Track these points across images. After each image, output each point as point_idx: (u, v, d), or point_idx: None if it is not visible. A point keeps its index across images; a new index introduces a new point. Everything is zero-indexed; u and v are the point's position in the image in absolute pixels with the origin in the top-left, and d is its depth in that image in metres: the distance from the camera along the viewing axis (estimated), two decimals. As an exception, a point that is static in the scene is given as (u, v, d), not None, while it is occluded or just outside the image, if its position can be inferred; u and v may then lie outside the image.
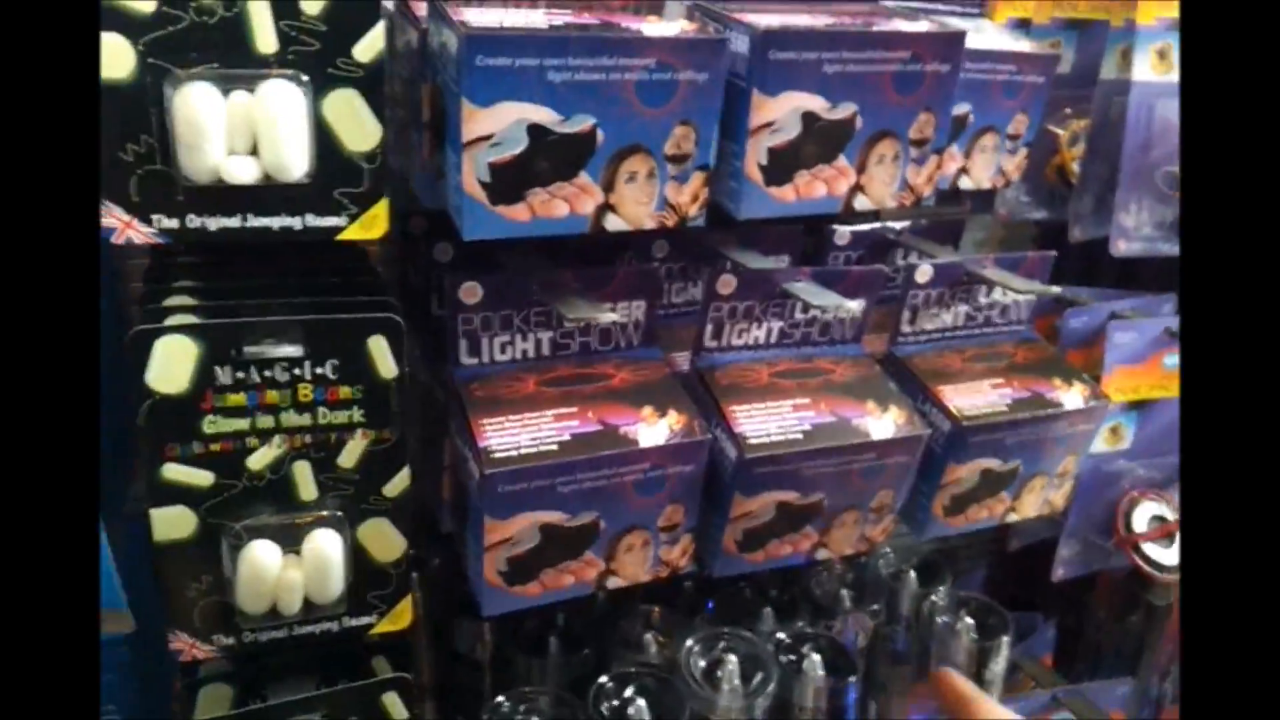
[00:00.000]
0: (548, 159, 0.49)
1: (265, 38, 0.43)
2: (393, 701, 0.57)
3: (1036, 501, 0.76)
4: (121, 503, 0.62)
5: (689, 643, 0.69)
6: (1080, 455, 0.77)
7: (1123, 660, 1.08)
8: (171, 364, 0.46)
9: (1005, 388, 0.72)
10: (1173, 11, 0.75)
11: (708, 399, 0.63)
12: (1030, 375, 0.73)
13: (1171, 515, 0.89)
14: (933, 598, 0.81)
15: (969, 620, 0.79)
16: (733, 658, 0.67)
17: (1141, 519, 0.89)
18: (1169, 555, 0.89)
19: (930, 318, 0.74)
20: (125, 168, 0.42)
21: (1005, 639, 0.79)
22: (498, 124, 0.47)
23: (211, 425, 0.48)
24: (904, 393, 0.68)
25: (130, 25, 0.41)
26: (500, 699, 0.63)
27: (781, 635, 0.73)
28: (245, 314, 0.48)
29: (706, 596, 0.75)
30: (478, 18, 0.46)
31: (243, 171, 0.43)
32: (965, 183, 0.72)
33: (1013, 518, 0.76)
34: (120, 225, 0.43)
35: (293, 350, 0.48)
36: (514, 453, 0.55)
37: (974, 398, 0.70)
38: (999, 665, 0.80)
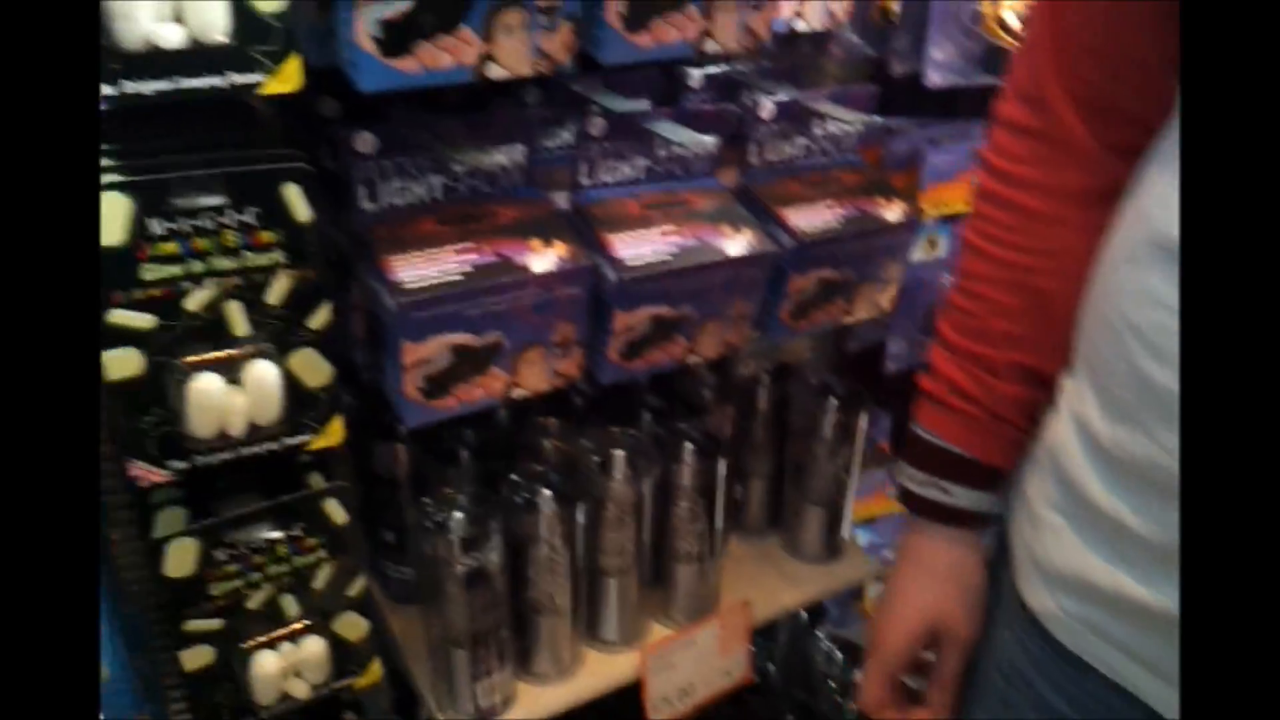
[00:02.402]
0: (432, 13, 0.55)
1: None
2: (334, 507, 0.66)
3: (867, 305, 0.90)
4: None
5: (583, 442, 0.80)
6: (901, 264, 0.90)
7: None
8: (108, 219, 0.51)
9: (837, 208, 0.83)
10: None
11: (587, 230, 0.72)
12: (858, 196, 0.85)
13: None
14: (809, 378, 0.94)
15: (833, 401, 0.93)
16: (620, 451, 0.79)
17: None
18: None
19: (774, 150, 0.84)
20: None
21: (863, 414, 0.94)
22: (386, -18, 0.52)
23: (149, 272, 0.53)
24: (753, 216, 0.78)
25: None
26: (425, 499, 0.72)
27: (660, 431, 0.85)
28: (167, 170, 0.52)
29: (596, 404, 0.86)
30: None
31: (171, 35, 0.47)
32: (800, 25, 0.81)
33: (848, 320, 0.90)
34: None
35: (217, 200, 0.53)
36: (424, 283, 0.62)
37: (811, 217, 0.81)
38: (859, 437, 0.96)
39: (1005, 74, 0.59)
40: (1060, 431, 0.55)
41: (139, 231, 0.52)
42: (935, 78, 0.91)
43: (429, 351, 0.64)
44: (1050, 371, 0.58)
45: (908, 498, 0.65)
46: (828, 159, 0.88)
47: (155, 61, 0.49)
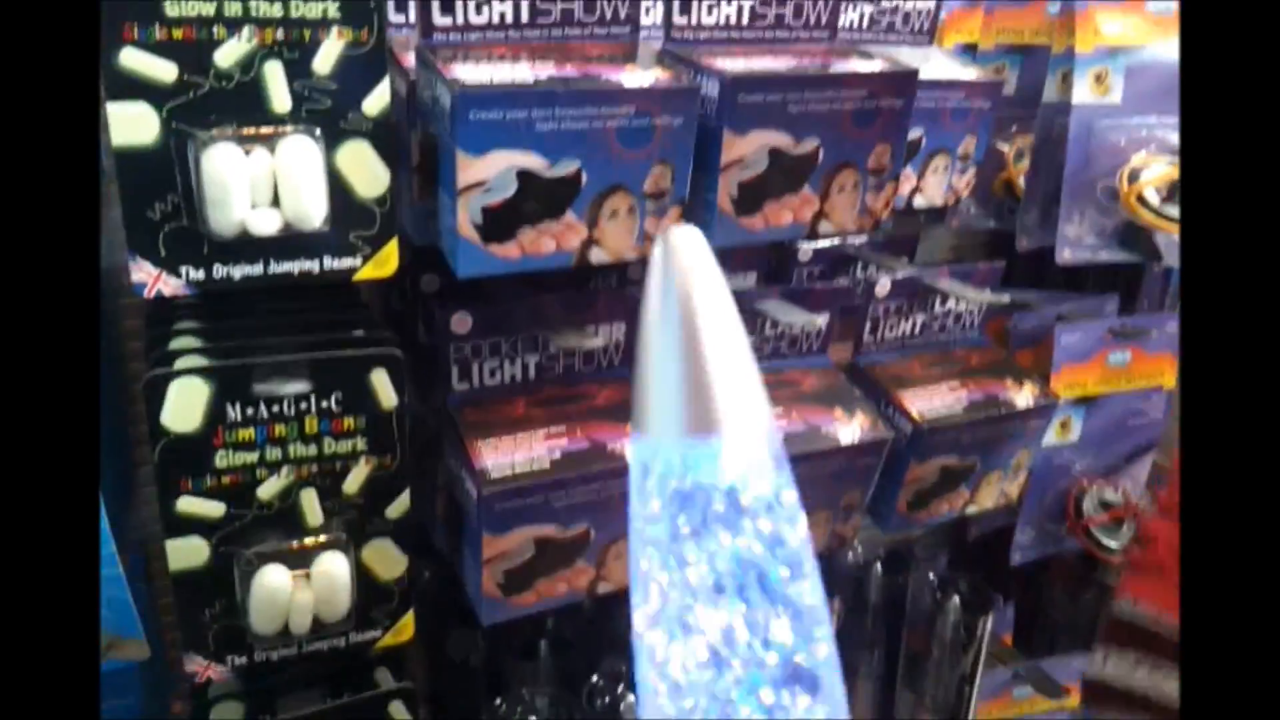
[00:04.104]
0: (536, 201, 0.53)
1: (280, 98, 0.45)
2: (398, 710, 0.60)
3: (993, 494, 0.82)
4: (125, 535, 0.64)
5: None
6: (1032, 450, 0.82)
7: (1077, 636, 1.15)
8: (185, 404, 0.49)
9: (961, 390, 0.77)
10: (1109, 40, 0.80)
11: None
12: (984, 377, 0.78)
13: (1117, 500, 0.95)
14: (930, 575, 0.86)
15: (956, 600, 0.84)
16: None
17: (1091, 505, 0.95)
18: (1116, 538, 0.94)
19: (890, 327, 0.78)
20: (152, 226, 0.45)
21: (990, 615, 0.84)
22: (490, 171, 0.50)
23: (223, 459, 0.51)
24: (868, 399, 0.72)
25: (153, 93, 0.44)
26: (498, 700, 0.66)
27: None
28: (251, 354, 0.50)
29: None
30: (469, 74, 0.49)
31: (266, 224, 0.46)
32: (919, 201, 0.77)
33: (972, 510, 0.81)
34: (150, 279, 0.46)
35: (300, 387, 0.51)
36: (509, 472, 0.58)
37: (932, 401, 0.75)
38: (984, 641, 0.86)
39: None
40: None
41: (216, 417, 0.50)
42: (1068, 254, 0.84)
43: (510, 545, 0.59)
44: None
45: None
46: (949, 336, 0.82)
47: (247, 246, 0.48)
